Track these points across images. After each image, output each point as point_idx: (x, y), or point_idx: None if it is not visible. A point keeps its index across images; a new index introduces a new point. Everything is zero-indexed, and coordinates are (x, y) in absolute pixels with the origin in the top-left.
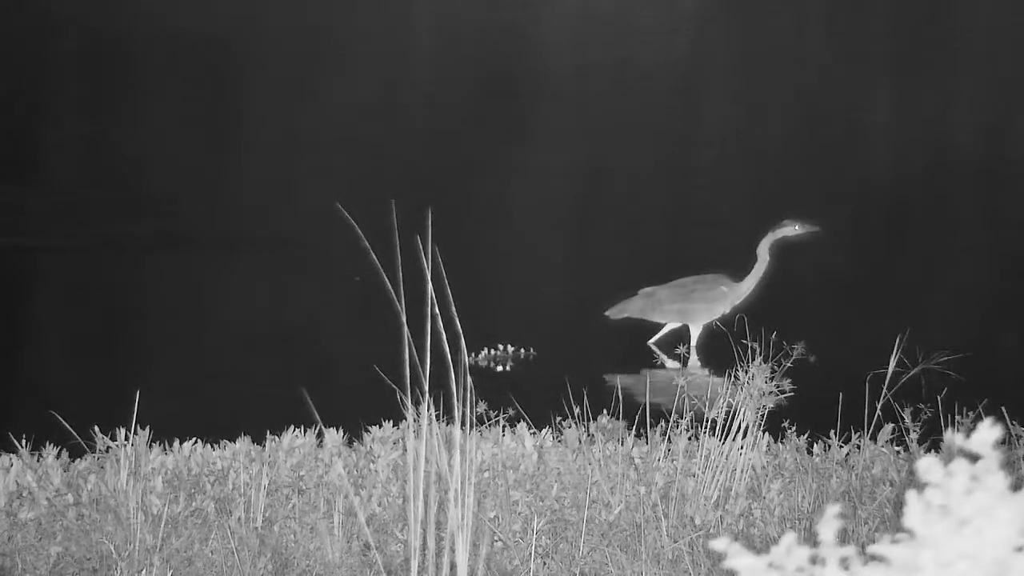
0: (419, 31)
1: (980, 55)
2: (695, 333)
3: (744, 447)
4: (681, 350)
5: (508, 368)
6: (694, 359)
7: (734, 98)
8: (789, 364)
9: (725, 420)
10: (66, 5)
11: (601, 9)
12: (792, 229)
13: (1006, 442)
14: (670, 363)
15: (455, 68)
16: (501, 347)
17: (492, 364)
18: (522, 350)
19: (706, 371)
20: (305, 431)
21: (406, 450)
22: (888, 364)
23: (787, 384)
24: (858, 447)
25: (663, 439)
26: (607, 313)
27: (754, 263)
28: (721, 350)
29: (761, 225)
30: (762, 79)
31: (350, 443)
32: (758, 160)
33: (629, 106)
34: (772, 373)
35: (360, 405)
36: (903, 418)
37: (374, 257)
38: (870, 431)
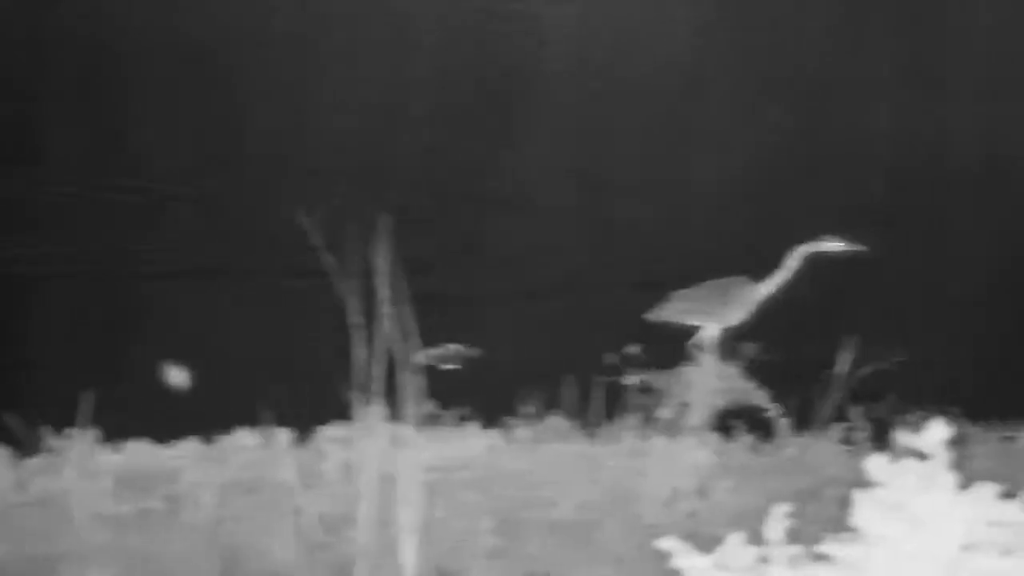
0: (417, 29)
1: (982, 62)
2: (714, 334)
3: (694, 446)
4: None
5: (458, 367)
6: (712, 359)
7: (733, 104)
8: (744, 364)
9: (676, 419)
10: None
11: (603, 10)
12: (835, 245)
13: (957, 442)
14: (708, 362)
15: (451, 67)
16: (451, 346)
17: (442, 364)
18: (472, 349)
19: (735, 370)
20: (256, 430)
21: (356, 449)
22: (841, 364)
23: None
24: (809, 447)
25: (613, 438)
26: (646, 317)
27: (779, 269)
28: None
29: (755, 232)
30: (762, 85)
31: (301, 442)
32: (755, 167)
33: (623, 111)
34: (728, 373)
35: (311, 404)
36: (854, 418)
37: (327, 258)
38: (821, 430)
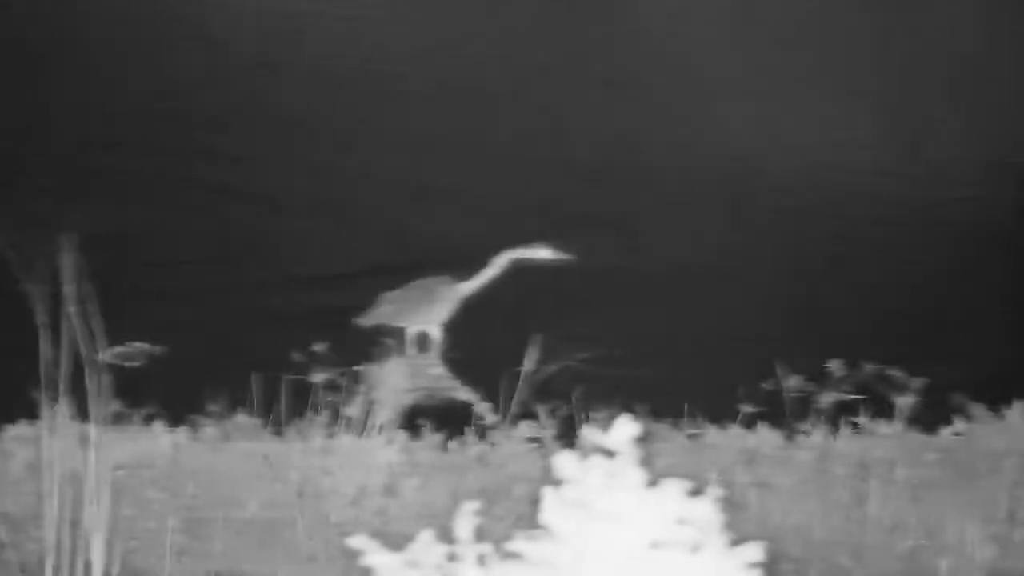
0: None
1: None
2: (437, 334)
3: (381, 444)
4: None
5: (143, 364)
6: (434, 356)
7: (470, 107)
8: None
9: (363, 417)
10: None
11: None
12: (543, 252)
13: (644, 439)
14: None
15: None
16: (137, 344)
17: (128, 362)
18: (157, 346)
19: (443, 367)
20: None
21: (43, 448)
22: (528, 362)
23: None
24: (495, 444)
25: (301, 436)
26: (358, 321)
27: (483, 269)
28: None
29: (460, 232)
30: (499, 86)
31: None
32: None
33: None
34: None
35: None
36: (541, 415)
37: (14, 259)
38: (508, 428)
